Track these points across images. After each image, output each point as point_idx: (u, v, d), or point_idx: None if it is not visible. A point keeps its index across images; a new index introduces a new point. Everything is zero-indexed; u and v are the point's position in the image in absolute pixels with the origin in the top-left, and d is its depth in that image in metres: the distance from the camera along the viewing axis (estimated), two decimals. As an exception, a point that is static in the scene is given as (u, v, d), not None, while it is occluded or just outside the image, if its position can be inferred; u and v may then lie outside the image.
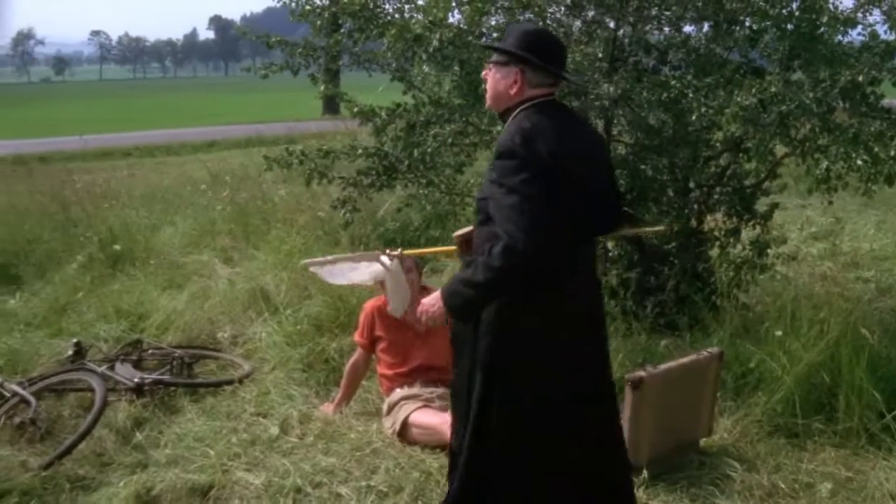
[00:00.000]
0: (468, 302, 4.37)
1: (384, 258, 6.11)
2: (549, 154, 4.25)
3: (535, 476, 4.57)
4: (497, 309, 4.40)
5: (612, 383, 4.90)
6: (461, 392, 4.65)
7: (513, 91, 4.51)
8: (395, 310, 6.36)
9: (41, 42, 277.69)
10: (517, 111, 4.51)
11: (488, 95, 4.67)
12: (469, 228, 4.72)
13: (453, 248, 5.00)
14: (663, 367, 5.97)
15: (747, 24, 7.82)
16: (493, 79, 4.59)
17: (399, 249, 6.19)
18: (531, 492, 4.60)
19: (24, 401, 7.00)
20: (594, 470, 4.70)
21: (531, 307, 4.40)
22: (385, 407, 6.87)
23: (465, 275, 4.37)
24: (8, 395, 7.17)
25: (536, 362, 4.48)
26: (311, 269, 6.84)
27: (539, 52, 4.48)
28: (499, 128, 7.33)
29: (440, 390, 6.73)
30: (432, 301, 4.56)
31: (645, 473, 5.69)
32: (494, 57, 4.63)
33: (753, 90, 6.77)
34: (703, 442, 6.28)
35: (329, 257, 6.75)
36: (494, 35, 8.04)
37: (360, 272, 6.23)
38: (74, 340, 8.16)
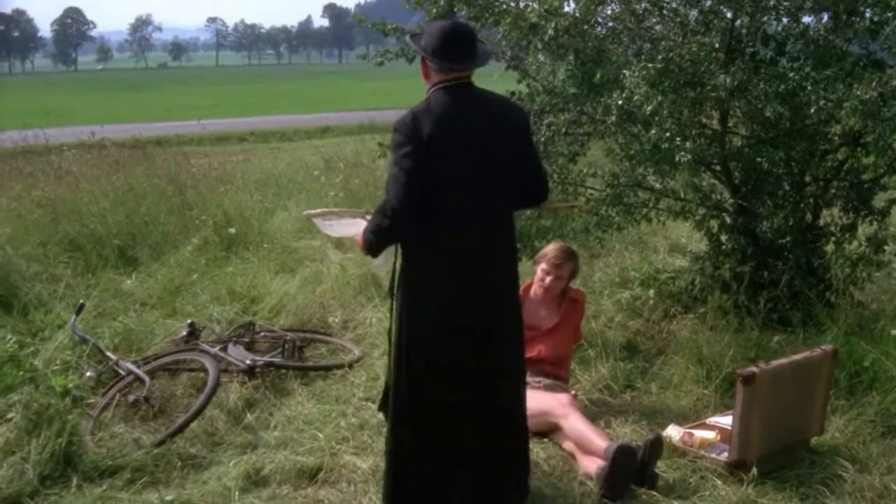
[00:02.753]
0: (369, 242, 5.23)
1: (369, 217, 6.35)
2: (429, 134, 4.92)
3: (430, 405, 5.21)
4: (404, 269, 5.22)
5: (512, 361, 5.42)
6: (390, 336, 5.39)
7: (424, 77, 5.24)
8: (376, 266, 6.69)
9: (158, 28, 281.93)
10: (429, 93, 5.18)
11: None
12: None
13: None
14: (775, 363, 5.90)
15: (868, 15, 7.67)
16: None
17: None
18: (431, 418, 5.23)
19: (138, 379, 7.15)
20: (486, 438, 5.27)
21: (424, 268, 5.17)
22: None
23: (369, 222, 5.27)
24: (123, 373, 7.32)
25: (426, 317, 5.17)
26: (312, 219, 7.05)
27: (435, 49, 5.11)
28: (613, 118, 7.31)
29: (548, 381, 6.74)
30: (360, 231, 5.42)
31: (754, 470, 5.62)
32: None
33: (874, 83, 6.63)
34: (814, 441, 6.19)
35: (326, 210, 6.98)
36: (610, 24, 8.00)
37: (353, 227, 6.45)
38: (188, 321, 8.31)
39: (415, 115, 4.98)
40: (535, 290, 7.06)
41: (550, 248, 7.10)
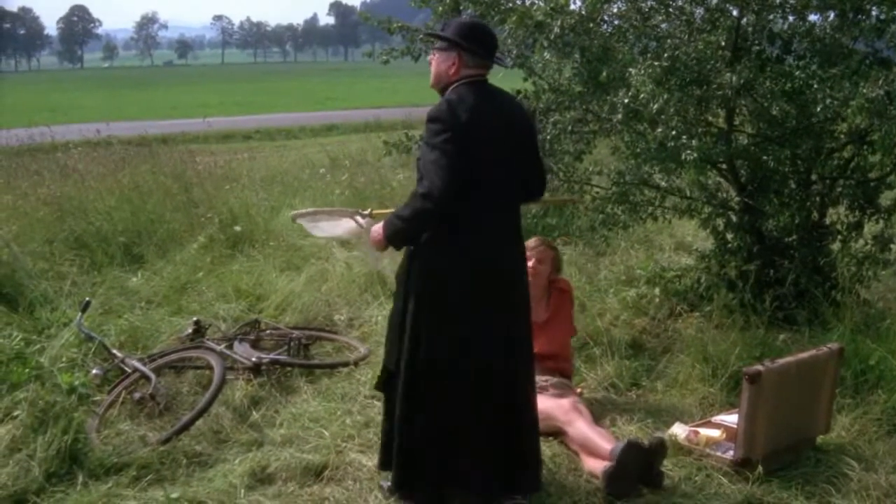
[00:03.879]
0: (397, 231, 5.34)
1: (358, 217, 6.60)
2: (467, 122, 5.16)
3: (453, 393, 5.38)
4: (423, 252, 5.34)
5: (524, 344, 5.65)
6: (396, 318, 5.52)
7: (451, 72, 5.39)
8: (370, 264, 6.81)
9: (164, 26, 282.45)
10: (451, 87, 5.37)
11: (432, 76, 5.54)
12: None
13: None
14: (781, 361, 5.89)
15: (874, 13, 7.65)
16: (437, 62, 5.47)
17: (369, 209, 6.57)
18: (451, 404, 5.39)
19: (144, 377, 7.14)
20: (500, 413, 5.46)
21: (448, 252, 5.30)
22: (499, 393, 6.90)
23: (398, 210, 5.38)
24: (129, 370, 7.32)
25: (448, 297, 5.32)
26: (298, 220, 7.16)
27: (473, 41, 5.37)
28: (619, 116, 7.31)
29: (555, 379, 6.75)
30: (379, 229, 5.51)
31: (760, 469, 5.62)
32: (438, 44, 5.50)
33: (880, 81, 6.61)
34: (819, 439, 6.19)
35: (312, 209, 7.11)
36: (616, 22, 8.00)
37: (339, 228, 6.63)
38: (194, 319, 8.33)
39: (450, 104, 5.21)
40: None
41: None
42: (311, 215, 7.07)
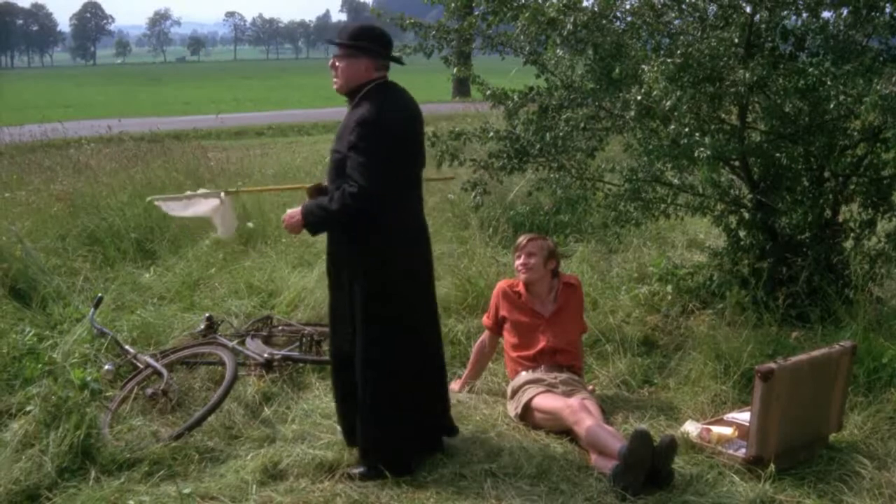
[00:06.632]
0: (320, 221, 5.79)
1: (222, 194, 7.07)
2: (398, 123, 5.70)
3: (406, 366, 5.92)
4: (364, 240, 5.73)
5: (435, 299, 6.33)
6: (343, 307, 5.94)
7: (364, 75, 5.81)
8: (222, 235, 7.50)
9: (177, 22, 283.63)
10: (365, 90, 5.79)
11: (341, 81, 5.91)
12: (320, 183, 6.14)
13: (298, 186, 7.09)
14: (794, 359, 5.87)
15: (888, 10, 7.62)
16: (346, 67, 5.86)
17: (236, 187, 7.19)
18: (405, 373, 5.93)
19: (156, 372, 7.16)
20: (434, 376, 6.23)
21: (388, 239, 5.76)
22: (509, 390, 6.90)
23: (322, 202, 5.73)
24: (141, 366, 7.34)
25: (396, 278, 5.83)
26: (157, 203, 7.34)
27: (379, 44, 5.85)
28: (632, 113, 7.28)
29: (564, 375, 6.76)
30: (294, 213, 5.90)
31: (772, 467, 5.60)
32: (342, 51, 5.88)
33: (893, 78, 6.59)
34: (832, 437, 6.18)
35: (181, 195, 7.44)
36: (629, 19, 7.98)
37: (202, 206, 6.97)
38: (206, 315, 8.32)
39: (381, 110, 5.62)
40: (522, 280, 7.21)
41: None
42: (177, 199, 7.34)
